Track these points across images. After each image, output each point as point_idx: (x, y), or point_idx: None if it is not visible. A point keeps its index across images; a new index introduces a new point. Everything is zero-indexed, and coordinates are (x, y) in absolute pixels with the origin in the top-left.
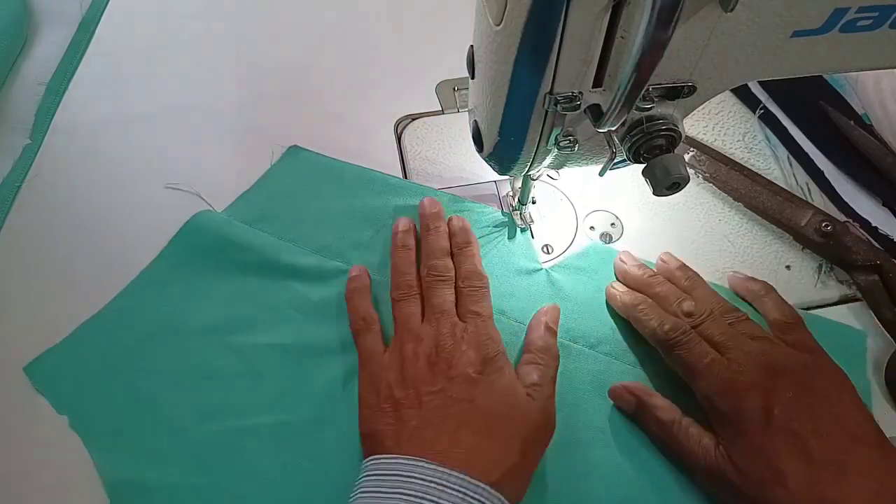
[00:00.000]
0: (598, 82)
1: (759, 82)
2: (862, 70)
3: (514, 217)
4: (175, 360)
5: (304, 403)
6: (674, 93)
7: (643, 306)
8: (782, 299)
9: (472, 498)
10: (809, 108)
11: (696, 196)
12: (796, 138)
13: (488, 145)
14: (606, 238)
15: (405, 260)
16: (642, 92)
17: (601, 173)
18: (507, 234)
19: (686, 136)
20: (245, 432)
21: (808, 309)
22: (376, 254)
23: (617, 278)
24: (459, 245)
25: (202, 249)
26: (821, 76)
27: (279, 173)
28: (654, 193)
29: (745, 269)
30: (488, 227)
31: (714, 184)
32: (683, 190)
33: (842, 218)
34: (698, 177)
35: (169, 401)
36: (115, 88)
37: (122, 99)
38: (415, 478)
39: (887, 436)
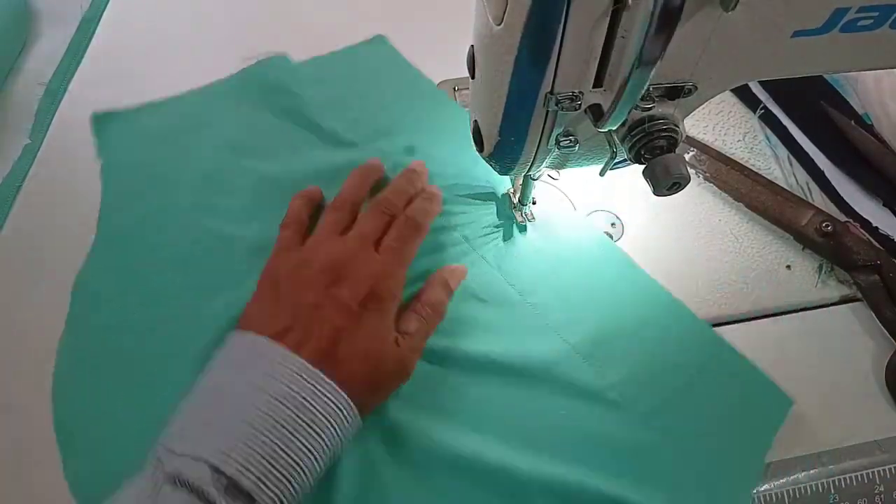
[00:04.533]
0: (598, 82)
1: (759, 82)
2: (862, 70)
3: (515, 216)
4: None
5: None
6: (674, 93)
7: None
8: None
9: (322, 393)
10: (809, 108)
11: (697, 196)
12: (796, 138)
13: (488, 145)
14: None
15: (358, 182)
16: (643, 92)
17: (601, 173)
18: (504, 234)
19: (687, 135)
20: None
21: (807, 309)
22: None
23: None
24: (423, 195)
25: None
26: (821, 76)
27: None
28: (654, 193)
29: (745, 268)
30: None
31: (715, 184)
32: (684, 190)
33: (842, 218)
34: (699, 177)
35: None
36: (115, 89)
37: (122, 99)
38: (274, 360)
39: (887, 436)
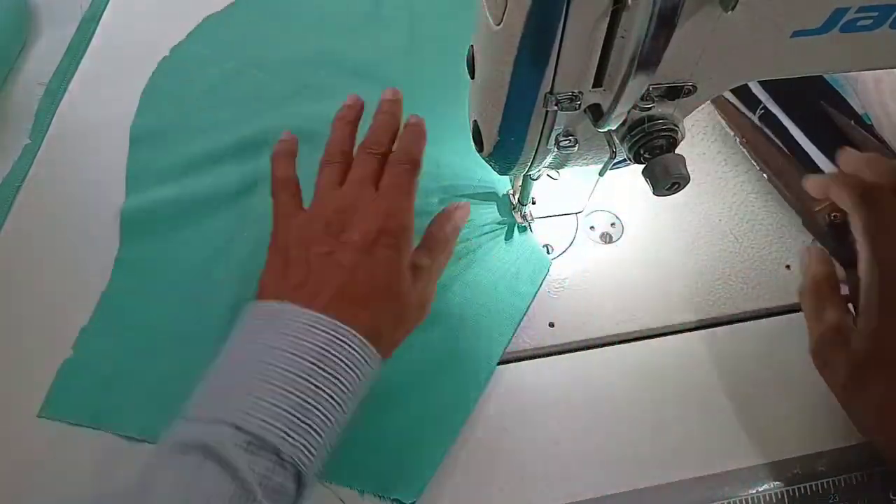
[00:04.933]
0: (598, 82)
1: (759, 82)
2: (862, 70)
3: (515, 216)
4: None
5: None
6: (674, 93)
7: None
8: None
9: (341, 340)
10: (809, 108)
11: (696, 196)
12: (796, 138)
13: (488, 145)
14: (606, 238)
15: (343, 132)
16: (642, 92)
17: (601, 173)
18: (506, 233)
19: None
20: None
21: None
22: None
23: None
24: (407, 130)
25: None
26: (821, 76)
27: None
28: (654, 193)
29: (744, 267)
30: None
31: (748, 150)
32: (684, 190)
33: None
34: (735, 141)
35: None
36: (115, 88)
37: (122, 99)
38: (286, 318)
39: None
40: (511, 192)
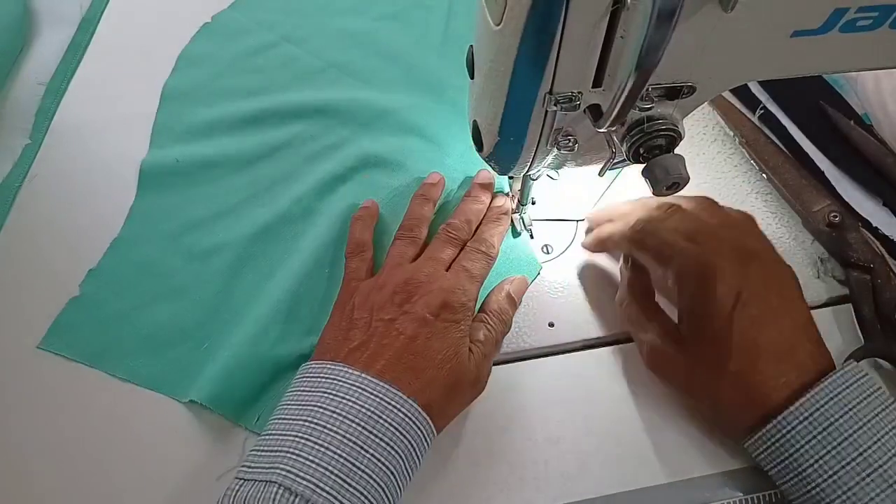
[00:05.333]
0: (598, 82)
1: (759, 82)
2: (862, 70)
3: (514, 217)
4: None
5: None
6: (674, 93)
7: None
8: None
9: (391, 404)
10: (809, 108)
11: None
12: (796, 138)
13: (488, 145)
14: None
15: (421, 208)
16: (642, 92)
17: (601, 173)
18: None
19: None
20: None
21: None
22: None
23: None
24: (491, 217)
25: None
26: (821, 76)
27: None
28: (653, 193)
29: None
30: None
31: (747, 150)
32: (683, 190)
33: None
34: (735, 140)
35: None
36: (115, 88)
37: (122, 99)
38: (338, 380)
39: None
40: (511, 192)
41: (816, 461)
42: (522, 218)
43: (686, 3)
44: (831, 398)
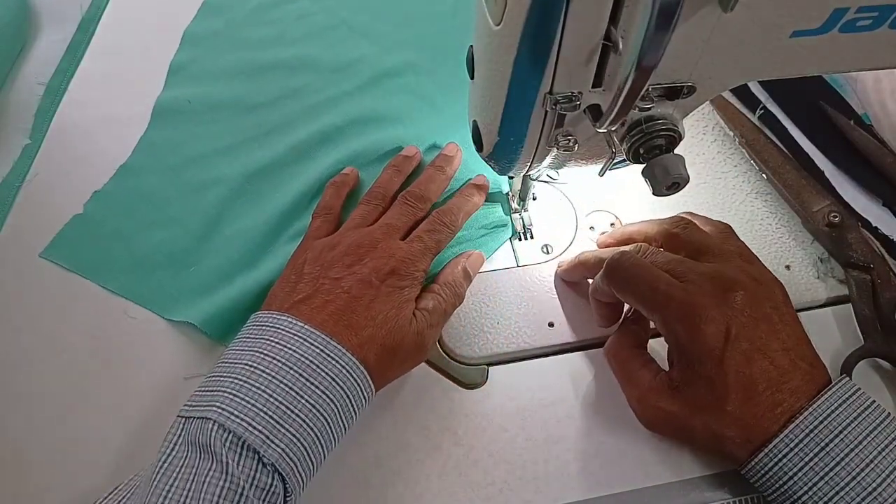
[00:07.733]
0: (597, 82)
1: (759, 82)
2: (862, 70)
3: (514, 217)
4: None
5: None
6: (673, 93)
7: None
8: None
9: (329, 355)
10: (809, 108)
11: (695, 197)
12: (796, 138)
13: (488, 145)
14: None
15: (391, 179)
16: (642, 92)
17: (601, 173)
18: (504, 234)
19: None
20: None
21: (807, 309)
22: None
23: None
24: (464, 190)
25: None
26: (821, 76)
27: None
28: (653, 193)
29: None
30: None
31: (747, 150)
32: (683, 190)
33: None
34: (735, 140)
35: None
36: (115, 88)
37: (122, 99)
38: (281, 329)
39: None
40: (511, 192)
41: (811, 488)
42: (522, 218)
43: (686, 2)
44: (821, 422)
